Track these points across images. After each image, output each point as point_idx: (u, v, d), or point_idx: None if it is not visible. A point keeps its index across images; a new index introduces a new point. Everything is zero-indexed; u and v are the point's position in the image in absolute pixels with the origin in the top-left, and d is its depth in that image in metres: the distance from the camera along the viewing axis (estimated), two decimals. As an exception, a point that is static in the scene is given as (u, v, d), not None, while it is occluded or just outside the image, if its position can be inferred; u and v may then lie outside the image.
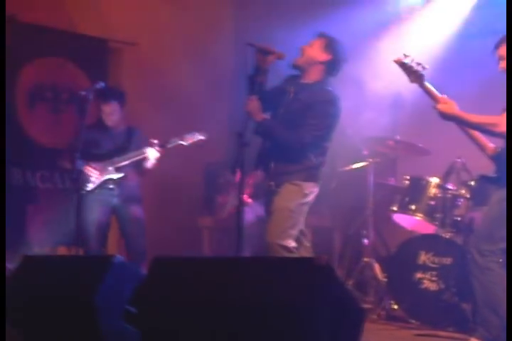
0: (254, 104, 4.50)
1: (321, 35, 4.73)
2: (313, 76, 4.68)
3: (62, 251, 6.28)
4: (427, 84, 4.32)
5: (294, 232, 4.55)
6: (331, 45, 4.68)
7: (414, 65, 4.31)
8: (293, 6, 7.19)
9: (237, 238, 3.97)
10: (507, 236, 3.97)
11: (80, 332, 3.19)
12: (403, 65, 4.32)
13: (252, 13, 7.51)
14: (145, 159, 5.60)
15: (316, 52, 4.65)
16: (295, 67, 4.70)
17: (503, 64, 4.30)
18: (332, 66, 4.69)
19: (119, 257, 3.42)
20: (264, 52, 4.47)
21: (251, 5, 7.61)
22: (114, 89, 6.10)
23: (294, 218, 4.55)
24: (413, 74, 4.31)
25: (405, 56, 4.32)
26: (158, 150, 5.56)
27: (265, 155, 4.66)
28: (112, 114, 5.77)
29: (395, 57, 4.34)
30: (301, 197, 4.58)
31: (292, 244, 4.50)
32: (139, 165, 5.69)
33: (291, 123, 4.55)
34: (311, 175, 4.61)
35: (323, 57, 4.65)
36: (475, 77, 5.90)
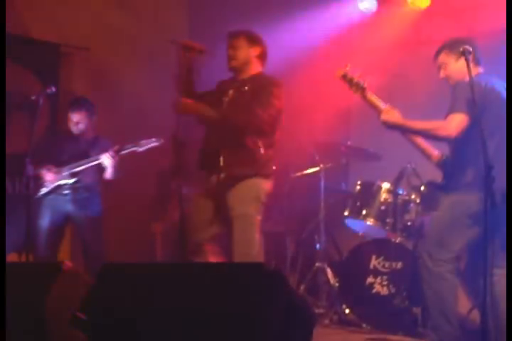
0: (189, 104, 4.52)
1: (237, 34, 4.79)
2: (252, 71, 4.77)
3: (12, 257, 6.20)
4: (369, 96, 4.36)
5: None
6: (252, 37, 4.78)
7: (355, 77, 4.35)
8: (249, 8, 7.21)
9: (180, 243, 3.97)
10: (507, 236, 4.00)
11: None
12: (345, 78, 4.37)
13: (207, 16, 7.51)
14: (103, 168, 5.57)
15: (246, 50, 4.73)
16: (234, 69, 4.77)
17: (443, 72, 4.37)
18: (264, 55, 4.81)
19: (68, 263, 3.39)
20: (186, 49, 4.45)
21: (206, 8, 7.61)
22: (83, 99, 6.05)
23: None
24: (355, 86, 4.35)
25: (346, 68, 4.36)
26: (112, 157, 5.51)
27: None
28: (78, 122, 5.76)
29: (337, 71, 4.39)
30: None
31: None
32: (100, 172, 5.66)
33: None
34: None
35: (255, 51, 4.75)
36: (424, 84, 5.98)
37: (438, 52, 4.40)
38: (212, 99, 4.71)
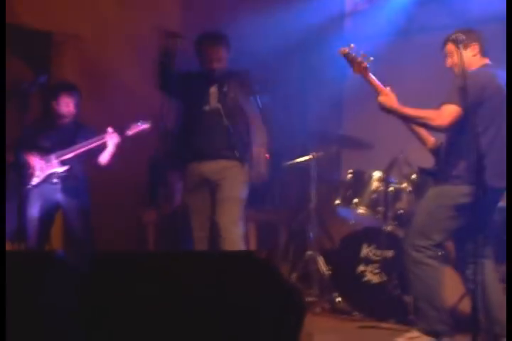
0: None
1: (218, 43, 5.10)
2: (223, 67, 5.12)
3: (6, 246, 6.20)
4: (371, 76, 4.37)
5: None
6: (227, 41, 5.11)
7: (358, 55, 4.36)
8: (241, 3, 7.20)
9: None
10: (507, 235, 4.01)
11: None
12: (347, 56, 4.37)
13: (200, 7, 7.49)
14: (99, 151, 5.57)
15: (226, 55, 5.09)
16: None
17: (450, 61, 4.36)
18: None
19: (61, 252, 3.39)
20: (169, 35, 4.57)
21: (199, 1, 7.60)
22: (73, 84, 6.03)
23: None
24: (357, 65, 4.35)
25: (350, 47, 4.36)
26: (117, 136, 5.53)
27: None
28: (69, 104, 5.71)
29: (340, 48, 4.39)
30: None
31: None
32: (88, 158, 5.64)
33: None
34: None
35: (229, 51, 5.14)
36: (418, 74, 5.98)
37: (446, 41, 4.38)
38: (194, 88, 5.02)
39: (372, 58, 4.35)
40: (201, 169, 5.14)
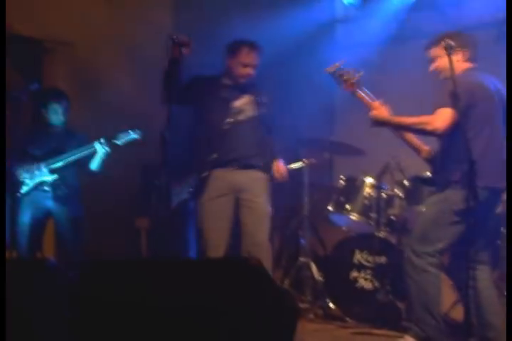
0: None
1: (255, 48, 5.04)
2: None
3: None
4: (359, 92, 4.38)
5: None
6: (260, 49, 5.03)
7: (345, 73, 4.36)
8: (232, 5, 7.20)
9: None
10: (507, 235, 4.02)
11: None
12: (334, 74, 4.38)
13: (192, 14, 7.49)
14: (90, 159, 5.56)
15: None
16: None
17: (433, 66, 4.37)
18: None
19: (52, 260, 3.38)
20: (178, 43, 4.51)
21: (190, 6, 7.59)
22: (62, 91, 6.01)
23: None
24: (345, 82, 4.36)
25: (337, 65, 4.37)
26: (107, 145, 5.51)
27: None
28: (59, 111, 5.70)
29: (328, 67, 4.40)
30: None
31: None
32: (80, 165, 5.63)
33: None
34: None
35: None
36: (408, 80, 6.00)
37: (429, 46, 4.40)
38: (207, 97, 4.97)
39: (362, 72, 4.36)
40: (230, 177, 5.04)
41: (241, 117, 5.04)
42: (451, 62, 3.96)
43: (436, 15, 6.40)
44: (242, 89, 5.05)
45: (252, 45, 4.99)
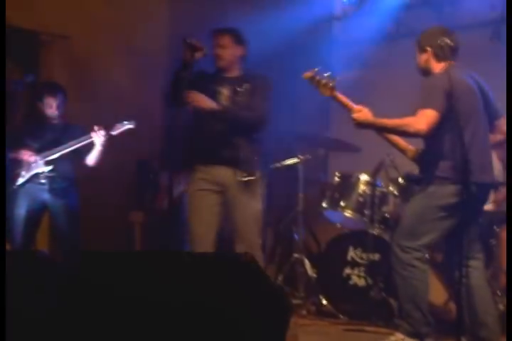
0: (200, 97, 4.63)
1: (223, 32, 4.82)
2: (236, 71, 4.87)
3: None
4: (339, 96, 4.38)
5: None
6: (237, 36, 4.84)
7: (323, 78, 4.36)
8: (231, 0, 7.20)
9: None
10: (507, 235, 4.03)
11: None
12: (312, 80, 4.38)
13: (188, 6, 7.49)
14: (87, 151, 5.55)
15: (232, 49, 4.81)
16: (220, 68, 4.85)
17: (423, 57, 4.37)
18: (246, 55, 4.90)
19: (44, 252, 3.38)
20: (193, 48, 4.49)
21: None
22: (58, 84, 6.00)
23: None
24: (323, 87, 4.36)
25: (314, 71, 4.37)
26: (103, 136, 5.47)
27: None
28: (53, 105, 5.68)
29: (305, 73, 4.40)
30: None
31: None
32: (76, 158, 5.63)
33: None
34: None
35: (241, 51, 4.84)
36: (406, 76, 5.99)
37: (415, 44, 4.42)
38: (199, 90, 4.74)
39: (337, 78, 4.36)
40: (215, 172, 4.81)
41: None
42: (426, 60, 3.99)
43: (432, 13, 6.40)
44: (225, 79, 4.88)
45: (225, 29, 4.92)
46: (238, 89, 4.77)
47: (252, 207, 4.79)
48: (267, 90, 4.83)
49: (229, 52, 4.77)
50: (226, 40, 4.78)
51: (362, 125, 4.29)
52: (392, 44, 6.49)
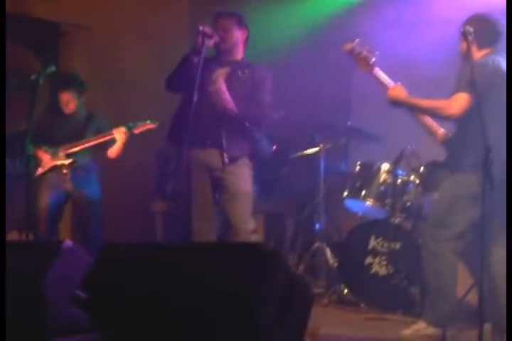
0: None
1: (227, 15, 4.80)
2: (238, 54, 4.83)
3: (13, 235, 6.22)
4: (377, 71, 4.36)
5: None
6: (241, 20, 4.82)
7: (363, 51, 4.35)
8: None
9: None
10: (507, 235, 4.01)
11: (27, 319, 3.17)
12: (352, 52, 4.36)
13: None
14: (106, 145, 5.58)
15: (235, 32, 4.76)
16: (221, 51, 4.79)
17: (464, 44, 4.33)
18: (248, 39, 4.86)
19: (68, 242, 3.40)
20: (206, 36, 4.48)
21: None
22: (72, 76, 6.02)
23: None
24: (362, 60, 4.34)
25: (354, 43, 4.35)
26: (124, 133, 5.51)
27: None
28: (69, 102, 5.73)
29: (344, 44, 4.38)
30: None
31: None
32: (97, 150, 5.66)
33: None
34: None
35: (243, 34, 4.81)
36: (424, 66, 5.97)
37: (464, 24, 4.35)
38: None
39: (377, 52, 4.34)
40: (203, 155, 4.71)
41: (211, 89, 4.69)
42: (469, 47, 3.95)
43: (450, 4, 6.34)
44: (227, 62, 4.80)
45: (228, 12, 4.89)
46: (239, 72, 4.75)
47: (237, 189, 4.73)
48: (269, 83, 4.77)
49: (232, 34, 4.75)
50: (229, 23, 4.76)
51: (396, 102, 4.28)
52: (417, 31, 6.42)
